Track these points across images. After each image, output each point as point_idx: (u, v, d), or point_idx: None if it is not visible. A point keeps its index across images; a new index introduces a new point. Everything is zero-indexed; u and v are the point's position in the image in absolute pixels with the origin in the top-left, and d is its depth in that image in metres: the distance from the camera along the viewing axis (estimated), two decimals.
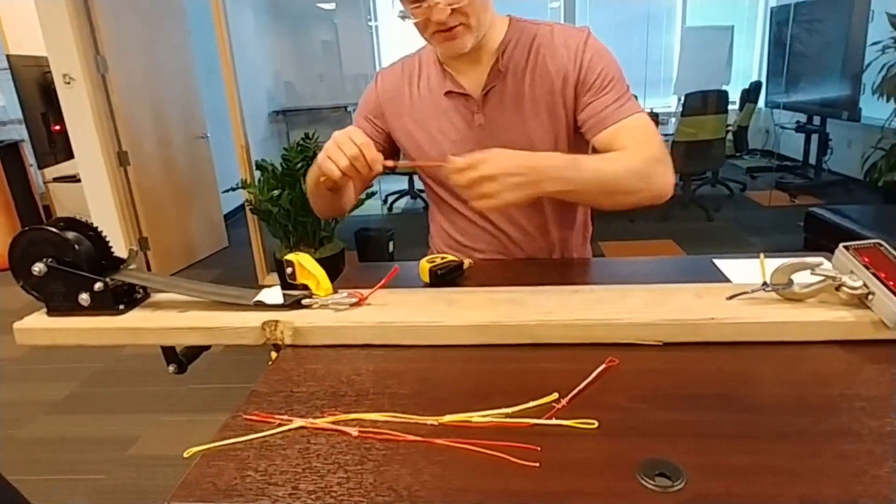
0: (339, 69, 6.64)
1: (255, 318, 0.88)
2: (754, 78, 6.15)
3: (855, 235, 3.18)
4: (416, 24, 1.06)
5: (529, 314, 0.86)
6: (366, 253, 3.77)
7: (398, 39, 6.47)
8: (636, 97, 1.16)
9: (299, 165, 3.21)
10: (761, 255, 1.18)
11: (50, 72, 3.53)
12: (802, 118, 5.43)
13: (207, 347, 0.94)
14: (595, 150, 1.13)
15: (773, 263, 1.16)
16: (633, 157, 1.05)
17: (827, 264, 0.88)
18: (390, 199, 5.67)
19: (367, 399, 0.74)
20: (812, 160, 5.34)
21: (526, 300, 0.91)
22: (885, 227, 3.26)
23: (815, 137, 5.33)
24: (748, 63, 6.38)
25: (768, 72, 5.77)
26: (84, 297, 0.91)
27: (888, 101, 4.35)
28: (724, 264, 1.15)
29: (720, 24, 5.94)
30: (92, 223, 0.95)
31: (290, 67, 6.72)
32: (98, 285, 0.91)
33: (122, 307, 0.94)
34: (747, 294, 0.89)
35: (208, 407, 2.46)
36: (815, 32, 5.06)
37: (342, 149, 0.98)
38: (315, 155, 3.32)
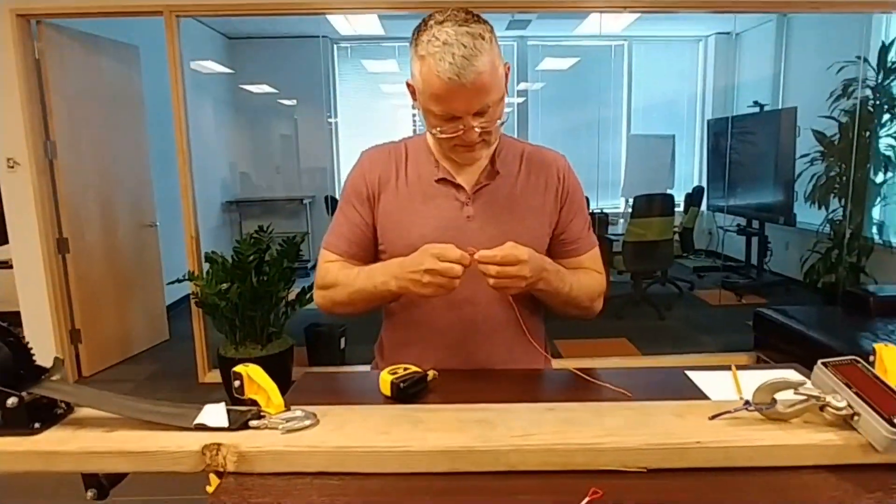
0: (297, 162, 6.68)
1: (194, 441, 0.78)
2: (696, 183, 6.48)
3: (802, 335, 3.25)
4: (440, 135, 1.09)
5: (502, 437, 0.78)
6: (316, 350, 3.61)
7: (356, 136, 6.62)
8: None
9: (251, 258, 3.10)
10: (733, 367, 1.15)
11: None
12: (743, 221, 5.70)
13: None
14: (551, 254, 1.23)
15: (744, 375, 1.13)
16: (598, 283, 1.25)
17: (808, 382, 0.85)
18: None
19: None
20: (754, 261, 5.56)
21: (497, 420, 0.84)
22: (829, 327, 3.34)
23: (755, 240, 5.57)
24: (689, 169, 6.75)
25: (708, 178, 6.09)
26: None
27: (819, 208, 4.62)
28: (697, 376, 1.11)
29: (662, 132, 6.32)
30: (11, 328, 0.84)
31: (247, 158, 6.73)
32: (11, 401, 0.80)
33: (37, 425, 0.82)
34: (730, 413, 0.84)
35: None
36: (749, 143, 5.41)
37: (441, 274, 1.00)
38: (268, 248, 3.19)
